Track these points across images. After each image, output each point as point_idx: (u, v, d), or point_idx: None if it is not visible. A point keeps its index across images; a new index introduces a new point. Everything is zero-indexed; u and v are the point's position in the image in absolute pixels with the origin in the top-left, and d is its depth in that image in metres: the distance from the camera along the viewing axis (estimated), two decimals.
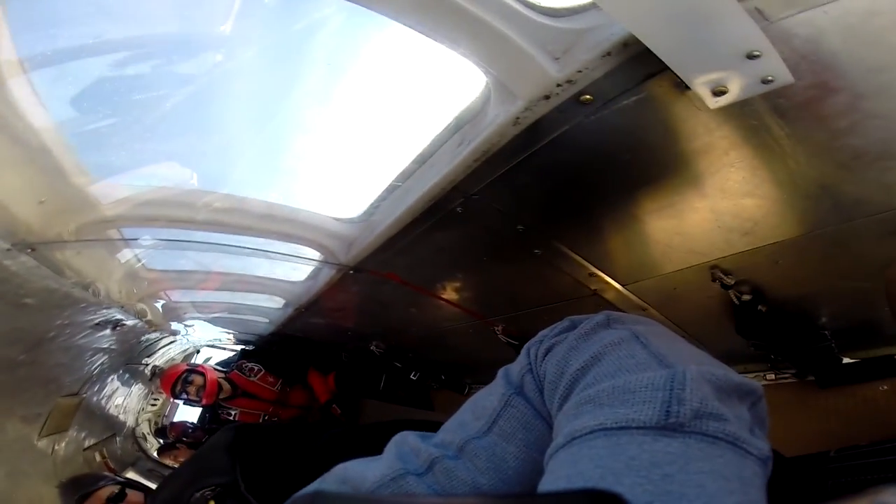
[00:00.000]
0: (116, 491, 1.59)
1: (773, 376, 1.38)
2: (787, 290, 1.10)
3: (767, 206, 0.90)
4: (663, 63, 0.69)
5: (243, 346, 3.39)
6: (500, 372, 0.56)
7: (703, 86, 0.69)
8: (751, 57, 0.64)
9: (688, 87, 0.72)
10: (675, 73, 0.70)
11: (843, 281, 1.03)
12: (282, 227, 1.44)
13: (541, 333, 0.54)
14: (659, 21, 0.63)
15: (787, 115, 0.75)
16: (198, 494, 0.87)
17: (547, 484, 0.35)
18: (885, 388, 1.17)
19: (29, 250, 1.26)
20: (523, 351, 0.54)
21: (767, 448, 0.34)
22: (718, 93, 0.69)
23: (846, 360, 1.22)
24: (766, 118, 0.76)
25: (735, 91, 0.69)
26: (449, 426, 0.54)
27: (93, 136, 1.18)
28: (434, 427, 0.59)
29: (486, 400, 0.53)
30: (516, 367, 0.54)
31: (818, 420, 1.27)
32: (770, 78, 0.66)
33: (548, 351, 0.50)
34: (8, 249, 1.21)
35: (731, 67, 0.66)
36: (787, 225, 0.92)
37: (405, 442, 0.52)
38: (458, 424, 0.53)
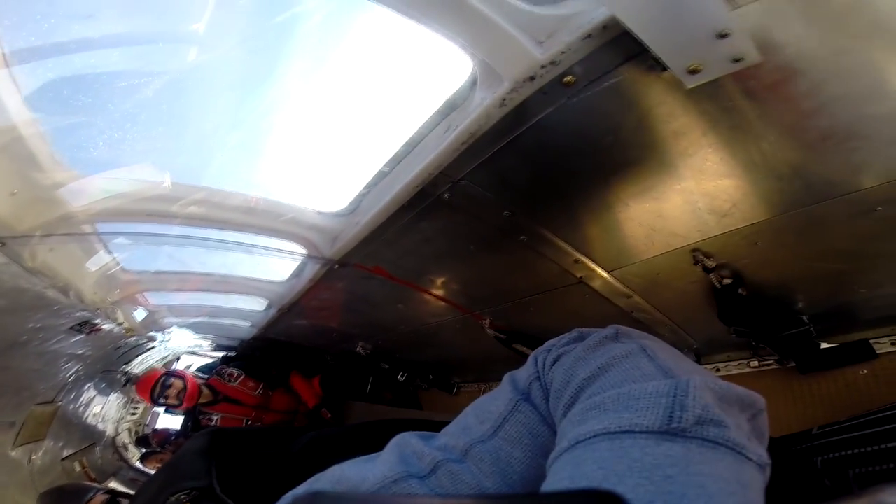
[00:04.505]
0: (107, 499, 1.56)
1: (756, 363, 1.41)
2: (766, 272, 1.13)
3: (745, 188, 0.93)
4: (641, 45, 0.71)
5: (225, 353, 3.31)
6: (506, 378, 0.56)
7: (679, 65, 0.72)
8: (721, 36, 0.68)
9: (664, 69, 0.75)
10: (653, 53, 0.72)
11: (818, 263, 1.06)
12: (263, 220, 1.42)
13: (549, 343, 0.55)
14: (637, 2, 0.67)
15: (757, 97, 0.78)
16: (172, 499, 0.86)
17: (550, 485, 0.36)
18: (866, 372, 1.19)
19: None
20: (531, 359, 0.55)
21: (766, 455, 0.35)
22: (693, 71, 0.72)
23: (824, 346, 1.25)
24: (739, 100, 0.79)
25: (708, 70, 0.72)
26: (451, 430, 0.54)
27: (68, 130, 1.16)
28: (418, 426, 0.59)
29: (491, 405, 0.53)
30: (524, 374, 0.54)
31: (803, 406, 1.29)
32: (739, 57, 0.70)
33: (556, 360, 0.51)
34: None
35: (704, 47, 0.69)
36: (763, 206, 0.95)
37: (407, 444, 0.52)
38: (461, 428, 0.53)
